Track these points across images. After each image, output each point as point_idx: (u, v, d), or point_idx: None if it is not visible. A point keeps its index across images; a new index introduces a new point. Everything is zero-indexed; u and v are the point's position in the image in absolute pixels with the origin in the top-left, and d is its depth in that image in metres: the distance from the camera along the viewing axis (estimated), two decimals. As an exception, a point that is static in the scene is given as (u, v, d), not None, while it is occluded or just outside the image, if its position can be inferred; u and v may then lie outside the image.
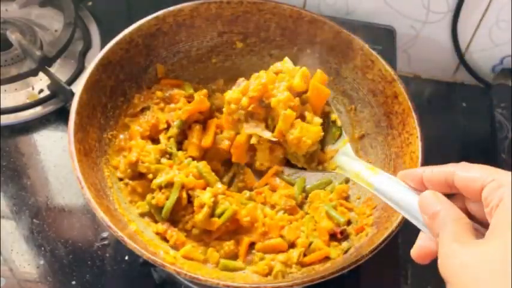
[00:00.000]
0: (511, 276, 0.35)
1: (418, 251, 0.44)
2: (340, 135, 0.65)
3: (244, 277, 0.61)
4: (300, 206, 0.68)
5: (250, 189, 0.69)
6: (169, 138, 0.68)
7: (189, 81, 0.74)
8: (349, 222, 0.66)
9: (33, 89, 0.83)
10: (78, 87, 0.63)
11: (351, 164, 0.59)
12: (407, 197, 0.46)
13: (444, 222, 0.41)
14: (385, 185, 0.50)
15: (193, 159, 0.67)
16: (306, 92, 0.65)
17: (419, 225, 0.44)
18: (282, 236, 0.64)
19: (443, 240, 0.40)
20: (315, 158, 0.65)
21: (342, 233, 0.64)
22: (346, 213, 0.66)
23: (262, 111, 0.64)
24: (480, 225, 0.43)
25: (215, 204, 0.62)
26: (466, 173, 0.42)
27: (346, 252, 0.62)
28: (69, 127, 0.60)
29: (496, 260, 0.36)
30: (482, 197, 0.40)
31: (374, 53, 0.69)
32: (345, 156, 0.62)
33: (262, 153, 0.66)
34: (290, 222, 0.65)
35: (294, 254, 0.62)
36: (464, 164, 0.43)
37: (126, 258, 0.68)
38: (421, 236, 0.44)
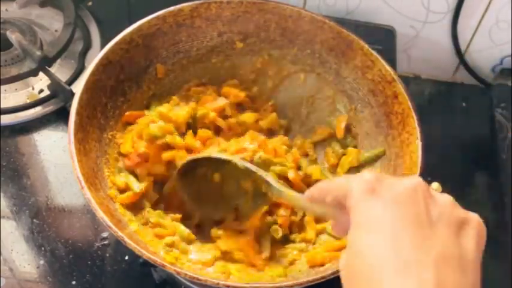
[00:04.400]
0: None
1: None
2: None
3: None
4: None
5: None
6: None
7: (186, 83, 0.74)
8: None
9: (33, 89, 0.83)
10: (78, 87, 0.63)
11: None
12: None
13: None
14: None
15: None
16: None
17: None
18: None
19: None
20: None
21: None
22: None
23: None
24: None
25: None
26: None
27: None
28: (69, 127, 0.60)
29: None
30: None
31: (374, 53, 0.69)
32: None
33: None
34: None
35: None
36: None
37: (126, 258, 0.68)
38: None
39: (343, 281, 0.41)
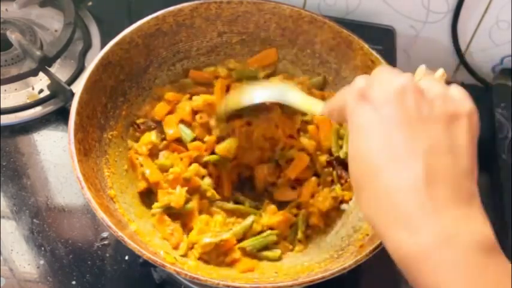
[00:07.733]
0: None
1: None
2: None
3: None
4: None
5: None
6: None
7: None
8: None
9: (33, 89, 0.83)
10: (78, 87, 0.63)
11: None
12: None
13: None
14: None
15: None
16: None
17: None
18: None
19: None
20: None
21: None
22: None
23: None
24: None
25: None
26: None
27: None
28: (69, 127, 0.60)
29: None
30: None
31: (374, 53, 0.69)
32: None
33: None
34: None
35: None
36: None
37: (126, 258, 0.68)
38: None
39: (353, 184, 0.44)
